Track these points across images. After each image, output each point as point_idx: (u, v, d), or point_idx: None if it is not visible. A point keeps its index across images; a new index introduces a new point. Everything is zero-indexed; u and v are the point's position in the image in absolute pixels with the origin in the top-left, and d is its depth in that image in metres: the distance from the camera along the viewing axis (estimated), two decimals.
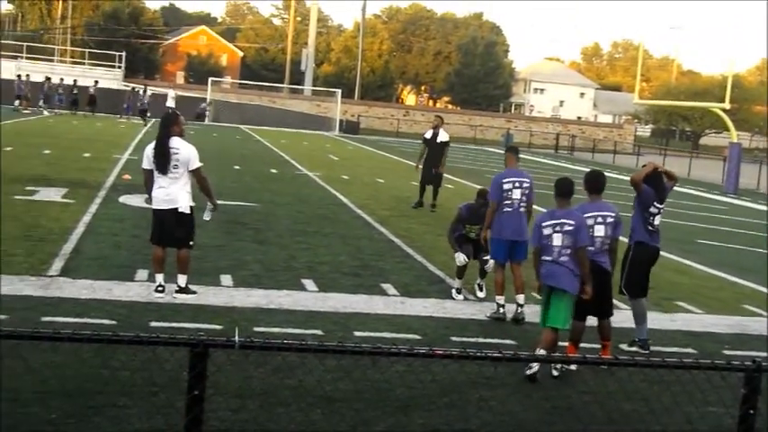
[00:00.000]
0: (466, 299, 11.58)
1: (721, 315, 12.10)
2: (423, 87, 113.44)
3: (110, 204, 16.98)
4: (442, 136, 20.87)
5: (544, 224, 8.53)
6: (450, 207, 20.66)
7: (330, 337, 8.99)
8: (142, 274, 11.27)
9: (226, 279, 11.37)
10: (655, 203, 10.06)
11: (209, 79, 63.12)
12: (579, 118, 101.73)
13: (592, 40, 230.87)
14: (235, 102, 64.76)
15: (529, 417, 7.13)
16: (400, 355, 4.42)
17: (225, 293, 10.65)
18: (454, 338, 9.59)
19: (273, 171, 27.24)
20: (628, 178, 33.65)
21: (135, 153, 28.86)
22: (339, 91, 66.63)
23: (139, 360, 6.88)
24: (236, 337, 4.11)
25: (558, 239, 8.41)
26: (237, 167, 26.89)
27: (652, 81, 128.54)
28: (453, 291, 11.78)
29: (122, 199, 17.74)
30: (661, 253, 17.06)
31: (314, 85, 79.36)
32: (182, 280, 10.42)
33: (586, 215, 8.74)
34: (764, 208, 31.55)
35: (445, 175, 22.09)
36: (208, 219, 10.92)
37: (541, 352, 7.88)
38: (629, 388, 7.81)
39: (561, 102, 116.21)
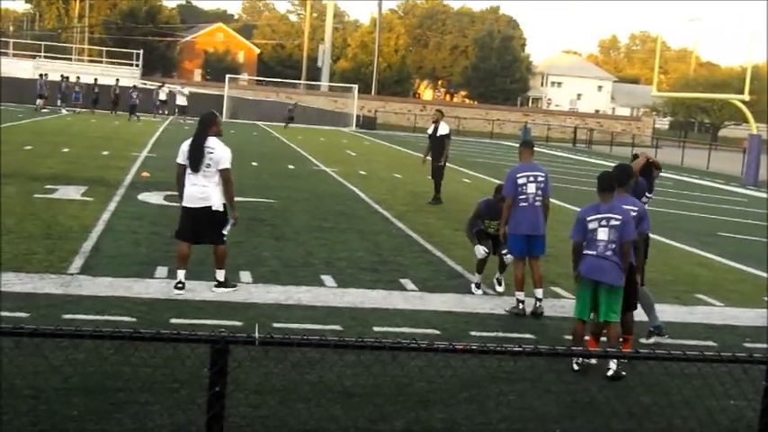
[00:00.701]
0: (485, 293, 11.56)
1: (742, 308, 12.03)
2: (439, 82, 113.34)
3: (129, 202, 17.05)
4: (442, 129, 21.12)
5: (589, 218, 8.47)
6: (469, 201, 20.67)
7: (349, 333, 9.00)
8: (162, 271, 11.32)
9: (245, 275, 11.40)
10: (646, 194, 10.03)
11: (227, 76, 63.25)
12: (597, 111, 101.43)
13: (609, 33, 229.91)
14: (252, 98, 64.87)
15: (549, 411, 7.11)
16: (420, 350, 4.42)
17: (244, 290, 10.67)
18: (474, 333, 9.58)
19: (291, 167, 27.28)
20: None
21: (153, 150, 29.01)
22: (356, 86, 66.63)
23: (160, 357, 6.90)
24: (257, 334, 4.12)
25: (603, 234, 8.37)
26: (255, 164, 26.93)
27: (670, 73, 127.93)
28: (473, 285, 11.76)
29: (141, 197, 17.80)
30: (681, 246, 17.13)
31: (330, 81, 79.40)
32: (220, 275, 10.60)
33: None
34: None
35: (462, 169, 22.12)
36: (226, 232, 10.75)
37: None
38: (650, 381, 7.79)
39: (579, 95, 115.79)
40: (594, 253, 8.37)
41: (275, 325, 9.17)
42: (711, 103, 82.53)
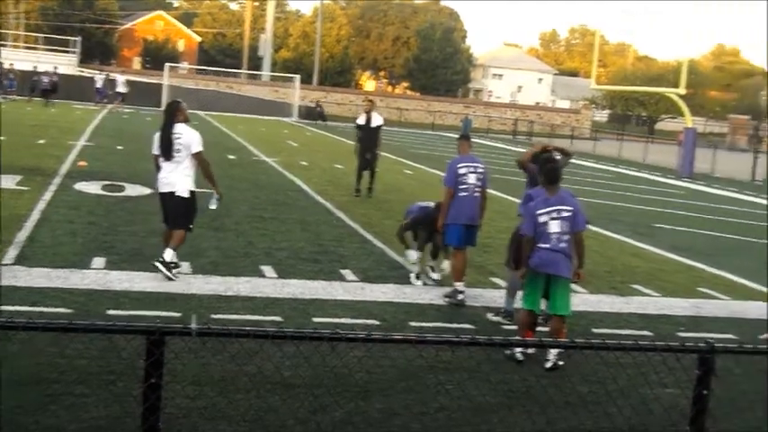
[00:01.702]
0: (425, 284, 11.61)
1: (677, 298, 12.25)
2: (382, 73, 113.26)
3: (65, 191, 16.78)
4: (377, 120, 20.34)
5: (539, 212, 8.48)
6: (410, 192, 20.74)
7: (289, 324, 8.98)
8: (99, 261, 11.17)
9: (184, 266, 11.29)
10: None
11: (166, 65, 62.54)
12: (537, 103, 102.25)
13: (549, 26, 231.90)
14: (192, 87, 64.24)
15: (487, 401, 7.17)
16: (358, 341, 4.42)
17: (183, 281, 10.58)
18: (413, 323, 9.62)
19: (231, 157, 27.08)
20: (585, 163, 33.84)
21: (91, 139, 28.59)
22: (298, 76, 66.34)
23: (96, 348, 6.83)
24: (193, 325, 4.09)
25: (555, 226, 8.42)
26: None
27: (609, 66, 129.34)
28: (412, 276, 11.86)
29: (78, 186, 17.54)
30: (618, 237, 17.37)
31: (272, 71, 78.93)
32: (168, 254, 10.70)
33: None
34: (719, 192, 31.98)
35: (404, 160, 22.14)
36: (214, 207, 11.30)
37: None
38: (586, 371, 7.90)
39: (519, 87, 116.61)
40: (548, 246, 8.41)
41: (214, 316, 9.11)
42: (648, 96, 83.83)
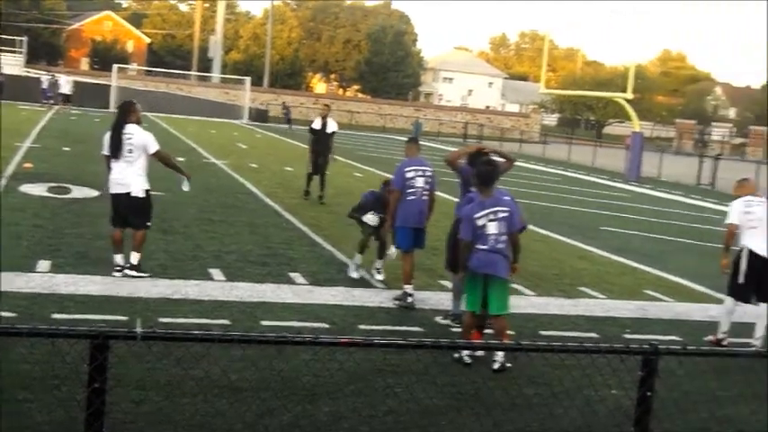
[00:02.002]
0: (374, 287, 11.62)
1: (623, 300, 12.39)
2: (332, 76, 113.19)
3: (10, 194, 16.51)
4: (332, 125, 20.15)
5: (477, 215, 8.52)
6: (358, 195, 20.72)
7: (237, 327, 8.93)
8: (44, 264, 11.01)
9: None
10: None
11: (115, 66, 61.88)
12: (487, 107, 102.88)
13: (500, 31, 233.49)
14: (141, 89, 63.66)
15: (434, 403, 7.19)
16: (305, 344, 4.44)
17: (130, 284, 10.47)
18: (362, 326, 9.61)
19: (181, 159, 26.79)
20: (535, 167, 34.03)
21: (38, 141, 28.18)
22: (248, 79, 66.04)
23: (39, 353, 6.71)
24: (138, 328, 4.05)
25: (493, 228, 8.47)
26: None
27: (558, 71, 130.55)
28: (352, 266, 12.12)
29: (23, 188, 17.27)
30: (566, 240, 17.53)
31: (222, 73, 78.51)
32: (134, 258, 10.85)
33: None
34: (665, 195, 32.41)
35: (354, 163, 22.14)
36: (186, 189, 11.54)
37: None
38: (532, 373, 7.96)
39: (470, 91, 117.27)
40: (486, 247, 8.46)
41: (161, 320, 9.03)
42: (597, 100, 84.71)
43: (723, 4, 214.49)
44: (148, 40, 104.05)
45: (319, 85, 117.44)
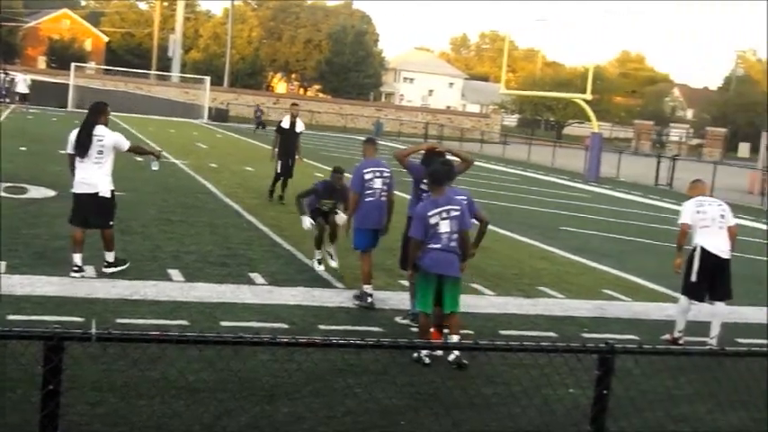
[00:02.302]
0: (334, 287, 11.61)
1: (581, 299, 12.47)
2: (293, 75, 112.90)
3: None
4: (300, 125, 20.09)
5: (430, 214, 8.58)
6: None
7: (196, 328, 8.88)
8: None
9: (88, 270, 11.07)
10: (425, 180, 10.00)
11: (72, 64, 61.24)
12: (448, 107, 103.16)
13: (460, 31, 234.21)
14: (99, 88, 63.07)
15: (393, 403, 7.19)
16: (263, 344, 4.42)
17: (87, 285, 10.37)
18: (322, 327, 9.60)
19: (139, 159, 26.55)
20: (495, 167, 34.20)
21: None
22: (208, 78, 65.68)
23: None
24: (93, 330, 4.01)
25: (446, 226, 8.54)
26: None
27: (518, 72, 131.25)
28: (314, 262, 12.47)
29: None
30: (526, 240, 17.62)
31: (182, 72, 78.01)
32: (109, 256, 11.01)
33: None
34: (624, 196, 32.70)
35: (315, 163, 22.12)
36: (156, 168, 11.85)
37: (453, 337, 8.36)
38: (491, 372, 7.99)
39: (430, 91, 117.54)
40: (439, 246, 8.51)
41: (119, 320, 8.96)
42: (556, 101, 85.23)
43: (683, 5, 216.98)
44: (107, 39, 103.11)
45: (280, 85, 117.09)
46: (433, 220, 8.56)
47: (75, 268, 10.73)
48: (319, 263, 12.49)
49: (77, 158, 10.86)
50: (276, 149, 20.00)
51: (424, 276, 8.62)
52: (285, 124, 20.05)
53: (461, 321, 8.85)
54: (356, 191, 10.91)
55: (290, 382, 7.24)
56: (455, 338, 8.57)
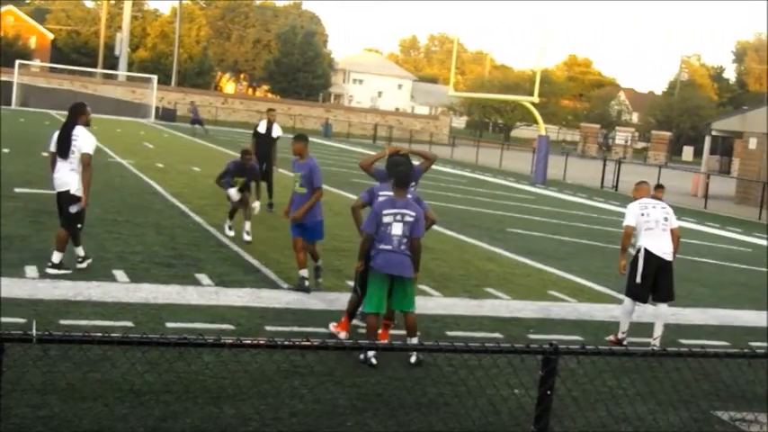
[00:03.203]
0: (281, 288, 11.57)
1: (527, 300, 12.57)
2: (242, 75, 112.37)
3: None
4: (277, 130, 19.80)
5: (385, 212, 8.65)
6: (275, 201, 20.64)
7: (141, 329, 8.80)
8: None
9: (31, 270, 10.93)
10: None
11: (17, 62, 60.31)
12: (397, 109, 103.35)
13: (409, 33, 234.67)
14: (44, 86, 62.19)
15: (339, 404, 7.19)
16: (207, 346, 4.36)
17: (29, 285, 10.23)
18: (269, 328, 9.56)
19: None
20: (443, 169, 34.38)
21: None
22: (155, 77, 65.10)
23: None
24: (34, 331, 3.96)
25: (398, 229, 8.59)
26: (46, 154, 25.83)
27: (467, 74, 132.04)
28: (226, 227, 15.13)
29: None
30: (473, 241, 17.72)
31: (129, 71, 77.21)
32: (56, 257, 11.11)
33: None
34: (570, 198, 33.02)
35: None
36: (73, 211, 11.30)
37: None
38: (436, 373, 8.02)
39: (380, 93, 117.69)
40: (390, 248, 8.57)
41: (62, 322, 8.84)
42: (504, 104, 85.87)
43: (629, 10, 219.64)
44: (52, 37, 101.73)
45: (228, 85, 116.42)
46: (386, 219, 8.63)
47: (79, 259, 11.37)
48: (230, 228, 15.10)
49: (58, 158, 11.14)
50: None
51: (374, 277, 8.67)
52: (261, 129, 19.73)
53: (414, 318, 8.91)
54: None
55: (236, 383, 7.21)
56: (415, 341, 8.64)
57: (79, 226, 11.36)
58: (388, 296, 8.68)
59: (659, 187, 11.36)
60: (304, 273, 11.39)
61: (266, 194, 18.86)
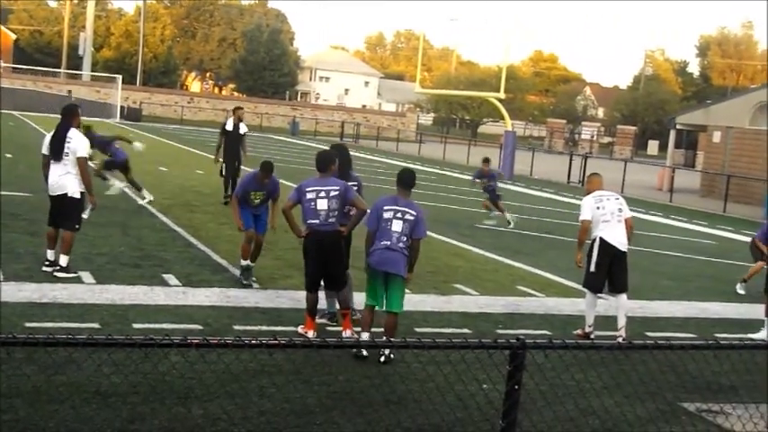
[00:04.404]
0: (250, 287, 11.53)
1: (496, 296, 12.62)
2: (208, 74, 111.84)
3: None
4: (243, 128, 20.41)
5: (386, 208, 8.83)
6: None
7: (107, 331, 8.74)
8: None
9: None
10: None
11: None
12: (364, 106, 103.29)
13: (376, 30, 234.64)
14: (8, 87, 61.52)
15: (308, 403, 7.18)
16: (173, 346, 4.34)
17: None
18: (237, 327, 9.54)
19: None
20: (411, 165, 34.44)
21: None
22: (119, 77, 64.63)
23: None
24: None
25: (398, 226, 8.73)
26: (10, 156, 25.62)
27: (433, 71, 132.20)
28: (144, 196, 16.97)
29: None
30: (441, 237, 17.75)
31: (93, 71, 76.58)
32: (63, 260, 11.13)
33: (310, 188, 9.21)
34: (537, 193, 33.17)
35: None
36: (86, 217, 11.69)
37: (365, 335, 8.68)
38: (405, 370, 8.03)
39: (346, 90, 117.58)
40: (387, 244, 8.70)
41: (28, 324, 8.76)
42: (471, 100, 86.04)
43: (594, 5, 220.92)
44: (14, 37, 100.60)
45: (194, 84, 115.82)
46: (386, 215, 8.80)
47: (47, 262, 11.23)
48: (142, 198, 17.59)
49: (52, 161, 11.17)
50: (222, 150, 20.19)
51: (371, 274, 8.87)
52: (229, 126, 20.24)
53: (395, 321, 8.99)
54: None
55: (204, 384, 7.18)
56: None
57: (77, 227, 11.35)
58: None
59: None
60: (245, 263, 11.71)
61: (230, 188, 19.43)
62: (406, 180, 9.06)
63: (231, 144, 19.98)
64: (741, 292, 14.66)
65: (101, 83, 70.83)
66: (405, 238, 8.74)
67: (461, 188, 32.03)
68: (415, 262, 9.00)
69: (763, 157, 36.00)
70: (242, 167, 20.24)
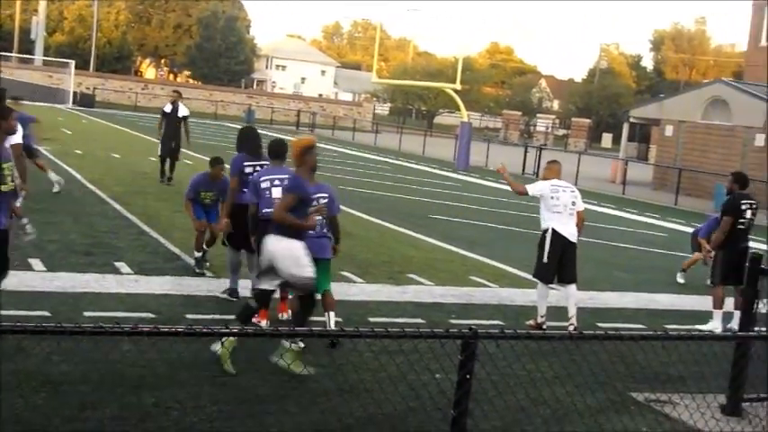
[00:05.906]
0: (204, 276, 11.47)
1: (450, 286, 12.67)
2: (163, 60, 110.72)
3: None
4: (183, 110, 21.10)
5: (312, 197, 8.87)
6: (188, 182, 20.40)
7: (58, 319, 8.64)
8: None
9: None
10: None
11: None
12: (320, 95, 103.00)
13: (333, 19, 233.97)
14: None
15: (261, 391, 7.17)
16: (123, 334, 4.32)
17: None
18: (189, 316, 9.48)
19: None
20: (367, 155, 34.38)
21: None
22: (72, 62, 63.83)
23: None
24: None
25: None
26: None
27: (390, 61, 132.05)
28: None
29: None
30: (396, 228, 17.78)
31: (45, 55, 75.53)
32: None
33: (263, 177, 9.19)
34: (492, 184, 33.32)
35: (186, 151, 21.82)
36: (18, 205, 10.84)
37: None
38: (357, 359, 8.03)
39: (303, 79, 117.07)
40: (313, 233, 8.65)
41: None
42: (428, 91, 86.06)
43: None
44: None
45: (149, 71, 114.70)
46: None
47: None
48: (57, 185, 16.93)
49: None
50: (161, 132, 21.11)
51: None
52: (167, 109, 21.25)
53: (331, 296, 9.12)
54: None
55: (155, 372, 7.13)
56: (332, 315, 8.98)
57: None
58: None
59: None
60: (198, 254, 11.74)
61: (168, 169, 20.88)
62: (314, 164, 8.82)
63: (169, 125, 20.97)
64: (681, 281, 14.91)
65: (53, 68, 69.86)
66: (325, 221, 8.92)
67: (416, 178, 32.10)
68: (338, 235, 9.26)
69: (714, 151, 36.50)
70: (181, 149, 21.24)
